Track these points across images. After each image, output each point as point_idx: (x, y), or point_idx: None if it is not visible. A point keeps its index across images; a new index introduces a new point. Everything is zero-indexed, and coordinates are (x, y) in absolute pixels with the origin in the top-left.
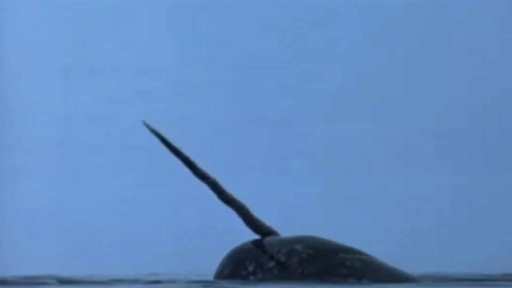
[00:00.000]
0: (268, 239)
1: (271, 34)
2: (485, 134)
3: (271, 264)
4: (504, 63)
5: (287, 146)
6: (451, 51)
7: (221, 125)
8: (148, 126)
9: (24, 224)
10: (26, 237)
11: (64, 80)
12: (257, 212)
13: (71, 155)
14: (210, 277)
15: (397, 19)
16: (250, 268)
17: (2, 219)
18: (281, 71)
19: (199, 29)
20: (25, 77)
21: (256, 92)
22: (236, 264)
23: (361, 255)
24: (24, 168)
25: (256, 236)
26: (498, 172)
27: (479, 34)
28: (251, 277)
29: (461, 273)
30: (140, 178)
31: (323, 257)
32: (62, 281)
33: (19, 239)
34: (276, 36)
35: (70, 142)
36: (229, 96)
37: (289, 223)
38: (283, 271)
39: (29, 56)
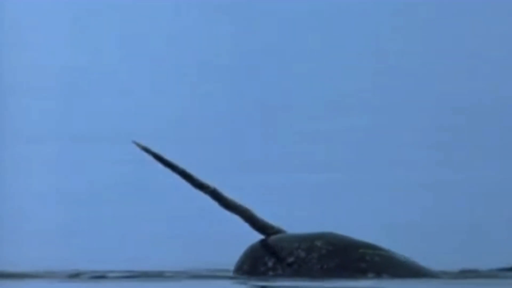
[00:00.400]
0: (287, 235)
1: (269, 31)
2: (483, 130)
3: (291, 259)
4: (503, 63)
5: (284, 141)
6: (451, 50)
7: (220, 121)
8: (139, 145)
9: (26, 219)
10: (27, 233)
11: (69, 74)
12: (257, 206)
13: (72, 148)
14: (222, 272)
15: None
16: (270, 264)
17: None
18: (280, 66)
19: (198, 28)
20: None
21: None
22: (256, 259)
23: (381, 250)
24: (22, 162)
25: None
26: (497, 167)
27: (475, 33)
28: (270, 273)
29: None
30: (143, 171)
31: (342, 253)
32: (71, 275)
33: (22, 235)
34: (275, 33)
35: (71, 135)
36: (229, 92)
37: (285, 218)
38: (303, 267)
39: (31, 56)
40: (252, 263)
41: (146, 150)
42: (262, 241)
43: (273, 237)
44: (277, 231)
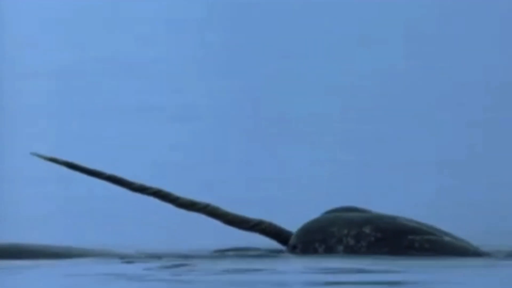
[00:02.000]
0: (335, 216)
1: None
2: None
3: (340, 248)
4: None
5: (291, 116)
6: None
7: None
8: (42, 156)
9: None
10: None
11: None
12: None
13: (75, 121)
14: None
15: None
16: (320, 251)
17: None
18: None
19: (199, 28)
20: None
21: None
22: (306, 244)
23: (430, 235)
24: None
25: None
26: None
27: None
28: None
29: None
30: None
31: (391, 240)
32: (106, 253)
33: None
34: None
35: (75, 107)
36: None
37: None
38: (352, 255)
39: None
40: (303, 248)
41: (53, 160)
42: (322, 219)
43: (323, 218)
44: (257, 223)
